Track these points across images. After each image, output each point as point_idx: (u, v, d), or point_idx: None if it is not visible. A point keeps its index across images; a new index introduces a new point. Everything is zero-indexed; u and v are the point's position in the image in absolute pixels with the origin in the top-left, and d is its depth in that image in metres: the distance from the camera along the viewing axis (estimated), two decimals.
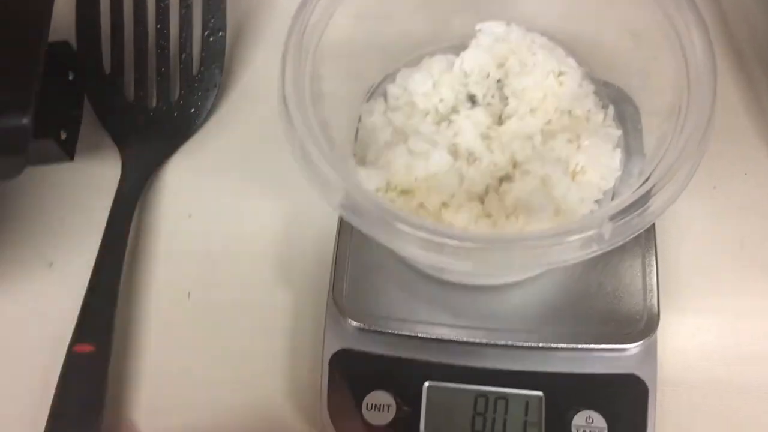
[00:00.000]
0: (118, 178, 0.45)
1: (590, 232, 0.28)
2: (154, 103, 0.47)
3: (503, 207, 0.35)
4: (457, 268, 0.32)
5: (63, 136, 0.44)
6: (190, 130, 0.47)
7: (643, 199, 0.30)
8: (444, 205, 0.36)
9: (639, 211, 0.29)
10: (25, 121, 0.37)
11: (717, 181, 0.44)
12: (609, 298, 0.38)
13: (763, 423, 0.38)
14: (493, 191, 0.36)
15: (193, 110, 0.47)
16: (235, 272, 0.43)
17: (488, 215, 0.36)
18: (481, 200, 0.36)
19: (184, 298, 0.43)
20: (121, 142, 0.47)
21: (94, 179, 0.46)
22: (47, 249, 0.44)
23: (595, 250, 0.29)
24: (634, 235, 0.29)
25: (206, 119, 0.47)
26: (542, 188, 0.35)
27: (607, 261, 0.38)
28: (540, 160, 0.36)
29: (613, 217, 0.29)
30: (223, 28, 0.48)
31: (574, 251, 0.29)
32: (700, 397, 0.39)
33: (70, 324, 0.40)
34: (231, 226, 0.44)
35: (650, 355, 0.37)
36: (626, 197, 0.30)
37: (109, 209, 0.44)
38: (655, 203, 0.30)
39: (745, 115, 0.46)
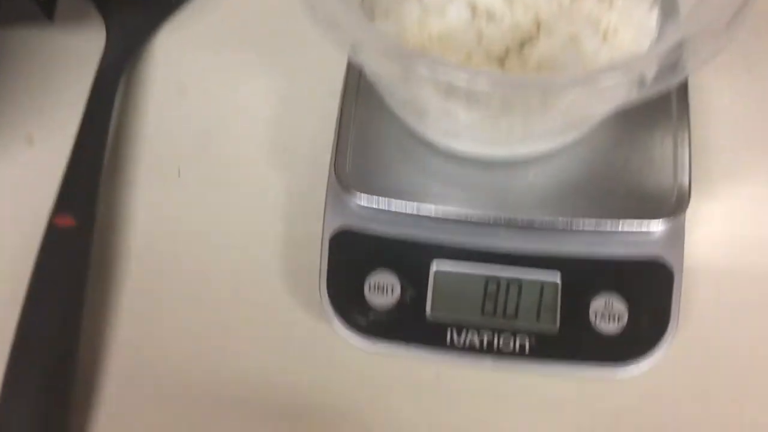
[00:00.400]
0: (98, 47, 0.41)
1: (631, 73, 0.25)
2: None
3: (526, 69, 0.32)
4: (480, 113, 0.29)
5: None
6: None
7: (679, 51, 0.26)
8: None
9: (683, 53, 0.26)
10: None
11: (753, 65, 0.41)
12: (636, 175, 0.35)
13: None
14: (514, 52, 0.33)
15: None
16: (228, 150, 0.40)
17: None
18: (501, 63, 0.33)
19: (173, 174, 0.39)
20: (106, 8, 0.43)
21: (76, 48, 0.42)
22: (26, 122, 0.41)
23: (634, 97, 0.26)
24: (678, 81, 0.26)
25: None
26: (570, 45, 0.32)
27: (635, 135, 0.35)
28: (567, 19, 0.33)
29: (657, 58, 0.26)
30: None
31: (610, 95, 0.26)
32: (729, 286, 0.36)
33: (50, 201, 0.37)
34: (225, 103, 0.41)
35: (677, 237, 0.35)
36: (670, 39, 0.26)
37: (89, 82, 0.40)
38: (702, 48, 0.26)
39: None
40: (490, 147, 0.34)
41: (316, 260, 0.35)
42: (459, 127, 0.32)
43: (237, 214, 0.38)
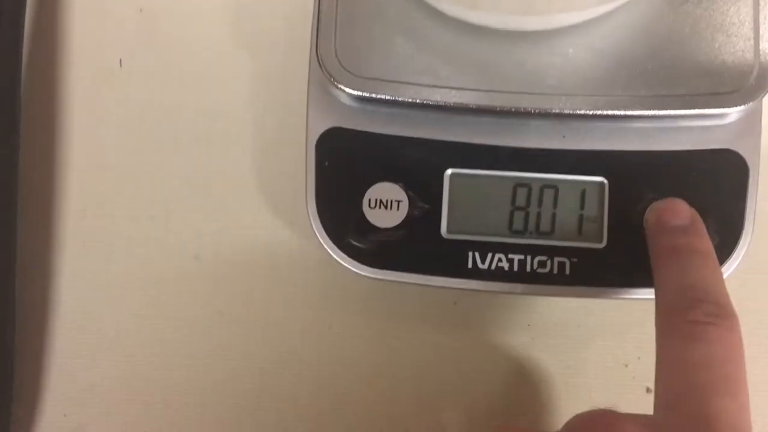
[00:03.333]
0: None
1: None
2: None
3: None
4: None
5: None
6: None
7: None
8: None
9: None
10: None
11: None
12: (705, 44, 0.27)
13: None
14: None
15: None
16: (181, 32, 0.32)
17: None
18: None
19: (114, 67, 0.31)
20: None
21: None
22: None
23: None
24: None
25: None
26: None
27: None
28: None
29: None
30: None
31: None
32: None
33: None
34: None
35: (754, 125, 0.28)
36: None
37: None
38: None
39: None
40: (515, 14, 0.26)
41: (300, 169, 0.28)
42: None
43: (195, 111, 0.31)
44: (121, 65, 0.31)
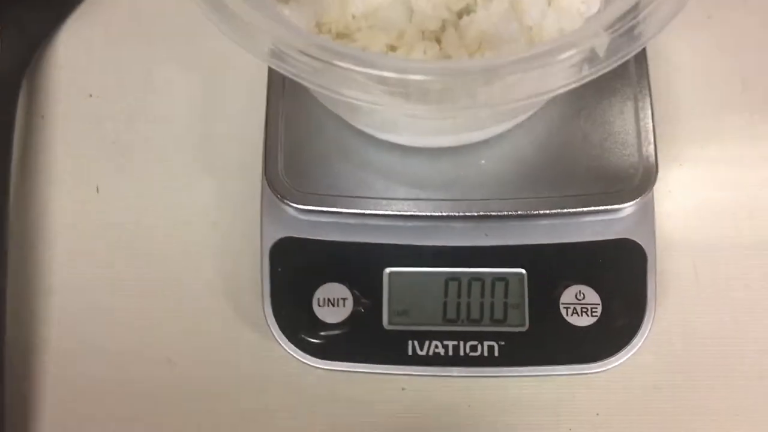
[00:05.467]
0: None
1: (580, 49, 0.21)
2: None
3: (465, 45, 0.28)
4: (418, 113, 0.25)
5: None
6: None
7: (641, 6, 0.23)
8: (391, 47, 0.29)
9: (639, 19, 0.22)
10: None
11: (712, 9, 0.37)
12: (597, 151, 0.31)
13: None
14: (451, 27, 0.29)
15: None
16: (149, 158, 0.36)
17: (447, 56, 0.29)
18: (437, 40, 0.29)
19: (92, 193, 0.35)
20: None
21: None
22: None
23: (587, 75, 0.22)
24: (634, 52, 0.22)
25: None
26: (511, 12, 0.28)
27: (592, 106, 0.32)
28: None
29: (609, 27, 0.22)
30: None
31: (560, 76, 0.22)
32: (705, 259, 0.33)
33: None
34: (140, 104, 0.37)
35: (647, 215, 0.32)
36: (619, 4, 0.23)
37: None
38: (657, 13, 0.23)
39: None
40: (434, 137, 0.31)
41: (257, 275, 0.32)
42: (397, 119, 0.29)
43: (166, 228, 0.35)
44: (98, 191, 0.36)
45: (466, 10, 0.30)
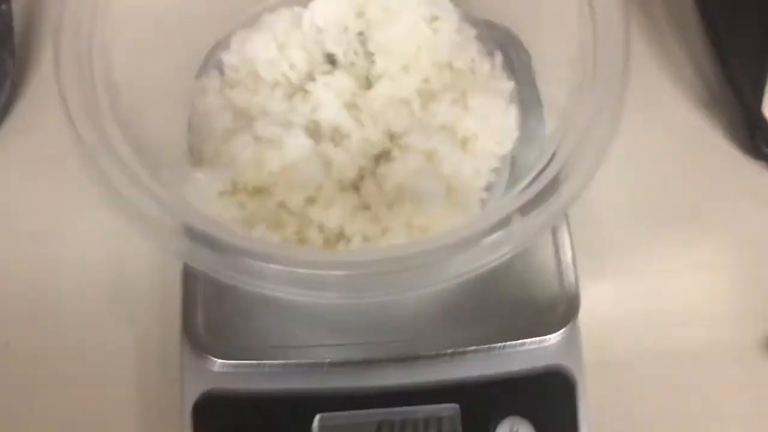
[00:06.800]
0: None
1: (497, 234, 0.22)
2: None
3: (384, 195, 0.28)
4: (339, 302, 0.25)
5: None
6: None
7: (554, 183, 0.23)
8: (310, 200, 0.29)
9: (553, 197, 0.23)
10: None
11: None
12: (520, 284, 0.32)
13: (700, 384, 0.34)
14: (369, 176, 0.29)
15: None
16: (61, 310, 0.34)
17: (366, 207, 0.28)
18: (356, 188, 0.29)
19: (2, 349, 0.33)
20: None
21: None
22: None
23: (505, 253, 0.22)
24: (550, 227, 0.23)
25: (2, 117, 0.37)
26: (428, 165, 0.28)
27: None
28: (422, 130, 0.29)
29: (523, 209, 0.22)
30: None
31: (479, 259, 0.22)
32: (632, 372, 0.34)
33: None
34: (50, 250, 0.35)
35: (573, 340, 0.32)
36: (532, 181, 0.23)
37: None
38: (570, 185, 0.23)
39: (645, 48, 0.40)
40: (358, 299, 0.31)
41: None
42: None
43: (82, 386, 0.33)
44: (8, 347, 0.34)
45: (384, 155, 0.30)
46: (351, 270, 0.22)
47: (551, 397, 0.32)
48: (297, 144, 0.28)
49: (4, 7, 0.37)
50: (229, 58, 0.31)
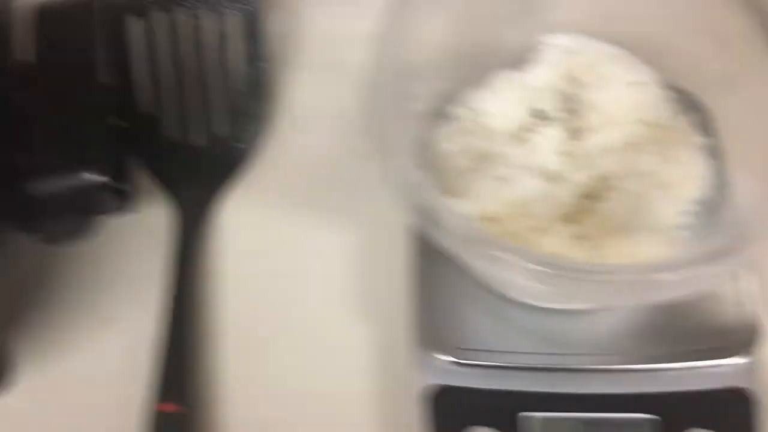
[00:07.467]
0: (166, 221, 0.43)
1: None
2: (200, 140, 0.45)
3: (602, 227, 0.34)
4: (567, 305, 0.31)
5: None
6: (240, 165, 0.45)
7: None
8: (533, 229, 0.35)
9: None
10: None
11: None
12: (705, 310, 0.36)
13: None
14: (588, 211, 0.35)
15: (241, 144, 0.45)
16: (308, 313, 0.41)
17: (583, 237, 0.34)
18: (571, 220, 0.35)
19: (260, 344, 0.41)
20: (170, 183, 0.45)
21: (144, 225, 0.44)
22: (104, 304, 0.42)
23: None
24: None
25: (257, 153, 0.45)
26: (637, 205, 0.34)
27: None
28: (630, 175, 0.35)
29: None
30: (264, 57, 0.46)
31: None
32: None
33: (140, 382, 0.38)
34: (299, 264, 0.42)
35: (756, 365, 0.36)
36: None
37: (164, 257, 0.42)
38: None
39: None
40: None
41: (410, 419, 0.37)
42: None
43: (328, 377, 0.40)
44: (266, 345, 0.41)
45: (595, 196, 0.36)
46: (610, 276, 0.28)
47: (733, 414, 0.36)
48: (530, 183, 0.35)
49: (263, 63, 0.46)
50: (462, 111, 0.38)
